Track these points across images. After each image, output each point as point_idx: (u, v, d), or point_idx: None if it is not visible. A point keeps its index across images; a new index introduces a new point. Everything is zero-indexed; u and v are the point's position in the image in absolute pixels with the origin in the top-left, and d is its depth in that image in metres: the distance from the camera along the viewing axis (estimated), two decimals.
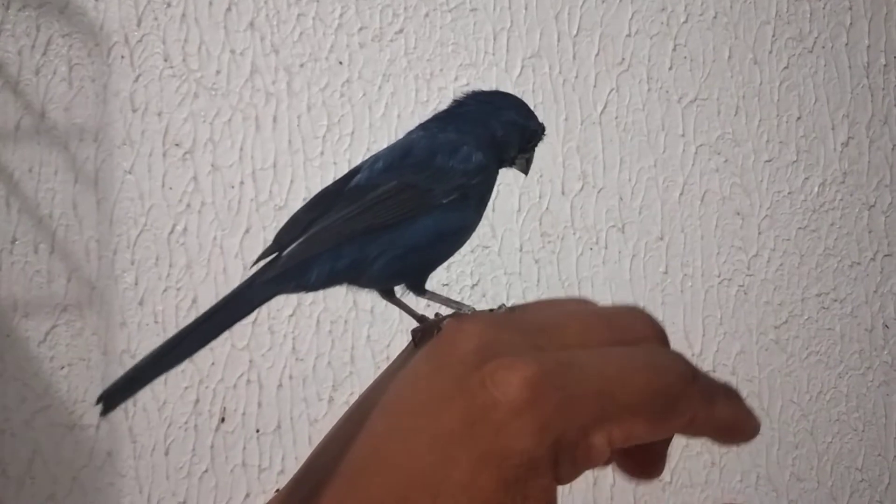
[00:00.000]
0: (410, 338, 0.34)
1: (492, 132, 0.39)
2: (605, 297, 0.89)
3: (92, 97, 0.80)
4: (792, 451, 0.93)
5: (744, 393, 0.31)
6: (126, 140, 0.80)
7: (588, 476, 0.86)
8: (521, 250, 0.88)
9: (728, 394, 0.30)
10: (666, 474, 0.89)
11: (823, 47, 0.99)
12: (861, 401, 0.96)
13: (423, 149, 0.37)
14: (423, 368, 0.29)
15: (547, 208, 0.89)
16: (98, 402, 0.29)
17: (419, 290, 0.36)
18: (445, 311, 0.34)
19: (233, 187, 0.82)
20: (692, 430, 0.29)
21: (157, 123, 0.81)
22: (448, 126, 0.39)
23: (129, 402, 0.78)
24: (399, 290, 0.37)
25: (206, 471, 0.80)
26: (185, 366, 0.79)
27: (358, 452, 0.28)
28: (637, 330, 0.30)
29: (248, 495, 0.80)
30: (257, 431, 0.81)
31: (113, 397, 0.29)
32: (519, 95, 0.42)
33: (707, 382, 0.29)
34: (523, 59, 0.90)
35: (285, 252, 0.34)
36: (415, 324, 0.35)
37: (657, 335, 0.30)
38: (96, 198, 0.80)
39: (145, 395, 0.78)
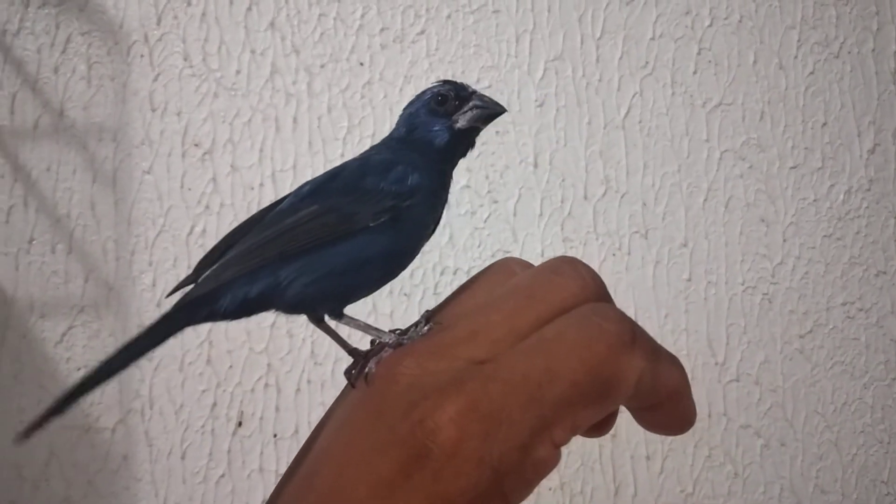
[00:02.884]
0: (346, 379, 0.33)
1: (421, 111, 0.38)
2: (627, 304, 0.88)
3: (111, 96, 0.79)
4: (816, 462, 0.92)
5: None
6: (145, 140, 0.80)
7: (609, 486, 0.85)
8: (542, 256, 0.87)
9: (672, 359, 0.29)
10: (688, 485, 0.87)
11: (850, 52, 0.97)
12: (887, 412, 0.94)
13: (352, 171, 0.36)
14: (358, 416, 0.29)
15: (569, 213, 0.88)
16: (21, 435, 0.31)
17: (337, 315, 0.34)
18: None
19: (252, 189, 0.81)
20: (640, 397, 0.28)
21: (177, 123, 0.80)
22: (385, 147, 0.38)
23: (146, 405, 0.77)
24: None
25: (222, 475, 0.79)
26: (203, 369, 0.78)
27: None
28: (564, 294, 0.29)
29: (264, 501, 0.79)
30: (275, 436, 0.80)
31: (32, 429, 0.31)
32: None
33: (649, 341, 0.28)
34: (546, 62, 0.88)
35: (198, 281, 0.33)
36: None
37: (588, 291, 0.29)
38: (114, 198, 0.79)
39: (162, 399, 0.77)
